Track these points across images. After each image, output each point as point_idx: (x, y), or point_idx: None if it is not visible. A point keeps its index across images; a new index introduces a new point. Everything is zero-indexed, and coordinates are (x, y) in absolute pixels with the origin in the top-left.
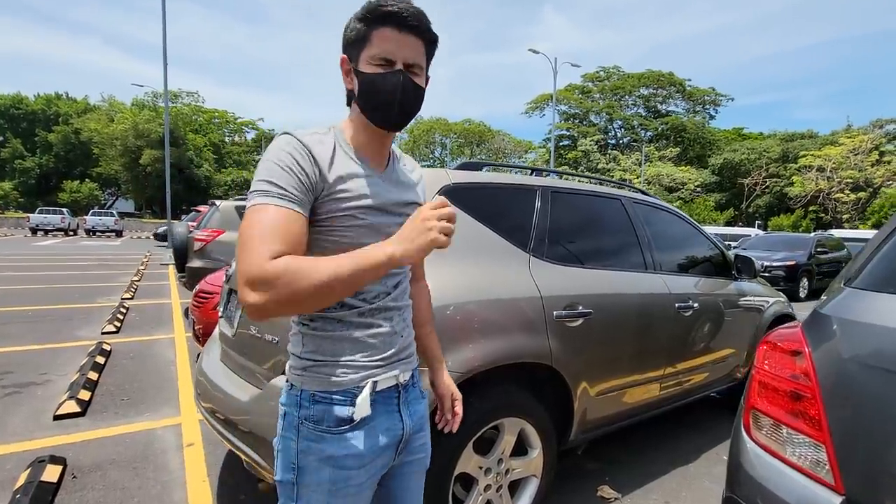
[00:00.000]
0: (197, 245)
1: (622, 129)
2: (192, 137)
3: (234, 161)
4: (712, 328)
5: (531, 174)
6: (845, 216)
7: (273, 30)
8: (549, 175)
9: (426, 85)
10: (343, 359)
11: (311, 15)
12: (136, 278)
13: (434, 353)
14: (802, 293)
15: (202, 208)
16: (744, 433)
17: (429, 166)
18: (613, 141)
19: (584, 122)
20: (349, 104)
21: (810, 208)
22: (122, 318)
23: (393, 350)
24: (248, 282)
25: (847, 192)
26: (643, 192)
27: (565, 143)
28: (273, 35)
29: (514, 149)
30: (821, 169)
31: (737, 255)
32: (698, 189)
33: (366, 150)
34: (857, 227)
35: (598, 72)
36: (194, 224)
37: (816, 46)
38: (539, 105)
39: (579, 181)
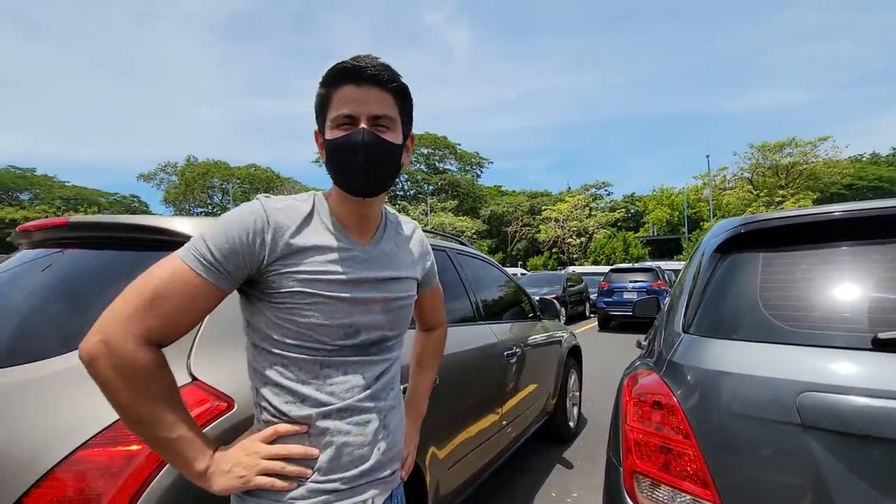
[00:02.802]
0: None
1: (408, 182)
2: None
3: None
4: (532, 369)
5: None
6: (575, 255)
7: None
8: None
9: (406, 142)
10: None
11: (22, 16)
12: None
13: (415, 393)
14: (562, 320)
15: None
16: (627, 499)
17: (206, 213)
18: (401, 193)
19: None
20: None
21: (553, 250)
22: None
23: (364, 466)
24: (93, 341)
25: (574, 237)
26: (462, 243)
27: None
28: None
29: None
30: (556, 220)
31: (541, 299)
32: (474, 236)
33: (348, 220)
34: (583, 264)
35: None
36: None
37: (542, 127)
38: None
39: None
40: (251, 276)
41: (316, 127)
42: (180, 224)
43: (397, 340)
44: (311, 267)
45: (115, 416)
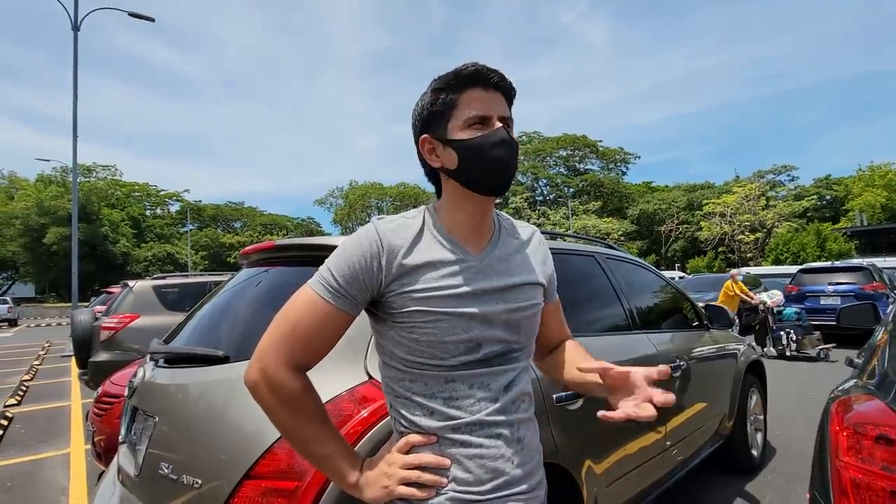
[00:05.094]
0: (104, 334)
1: (547, 187)
2: (108, 212)
3: (155, 235)
4: (701, 385)
5: None
6: (748, 255)
7: (197, 103)
8: None
9: None
10: None
11: (236, 87)
12: (26, 377)
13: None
14: (734, 331)
15: (115, 289)
16: None
17: None
18: (541, 198)
19: (513, 182)
20: (434, 182)
21: (719, 249)
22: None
23: (499, 481)
24: (255, 369)
25: (746, 233)
26: (610, 246)
27: (497, 200)
28: (197, 108)
29: None
30: (722, 214)
31: (708, 305)
32: (622, 238)
33: (462, 230)
34: (759, 264)
35: (520, 136)
36: (103, 308)
37: (697, 113)
38: None
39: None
40: (374, 298)
41: (424, 134)
42: None
43: (525, 350)
44: (425, 284)
45: None
